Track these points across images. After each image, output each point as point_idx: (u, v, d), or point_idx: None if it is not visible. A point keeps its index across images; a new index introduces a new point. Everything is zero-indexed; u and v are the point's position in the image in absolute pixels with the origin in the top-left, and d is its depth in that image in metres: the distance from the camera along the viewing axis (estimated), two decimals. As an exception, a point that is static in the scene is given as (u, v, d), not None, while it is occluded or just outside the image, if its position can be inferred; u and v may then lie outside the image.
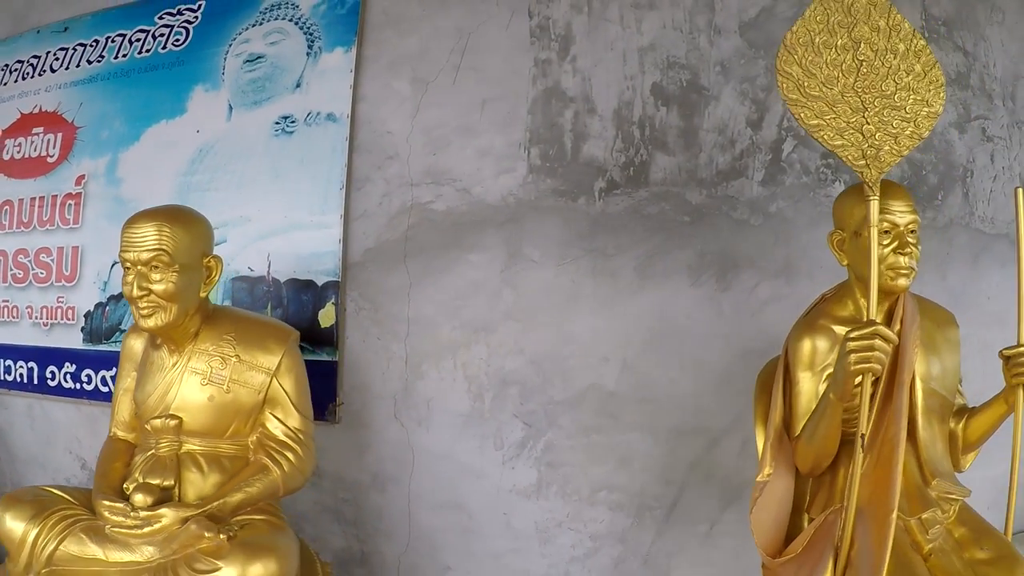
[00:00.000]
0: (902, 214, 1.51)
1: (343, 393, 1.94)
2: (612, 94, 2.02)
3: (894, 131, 1.41)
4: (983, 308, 2.32)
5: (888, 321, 1.57)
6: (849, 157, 1.40)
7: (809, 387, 1.58)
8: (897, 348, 1.53)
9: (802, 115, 1.38)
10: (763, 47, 2.12)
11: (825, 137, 1.38)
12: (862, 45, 1.39)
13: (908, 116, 1.41)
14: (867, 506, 1.44)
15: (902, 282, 1.51)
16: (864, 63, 1.40)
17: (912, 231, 1.54)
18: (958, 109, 2.35)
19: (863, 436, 1.40)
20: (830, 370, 1.56)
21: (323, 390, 1.92)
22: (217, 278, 1.51)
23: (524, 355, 1.92)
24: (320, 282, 1.94)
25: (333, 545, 1.95)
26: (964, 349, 2.31)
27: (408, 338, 1.94)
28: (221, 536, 1.38)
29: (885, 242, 1.49)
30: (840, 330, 1.57)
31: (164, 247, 1.43)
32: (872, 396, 1.51)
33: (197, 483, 1.54)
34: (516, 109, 1.98)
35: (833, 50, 1.40)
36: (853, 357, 1.34)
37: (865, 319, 1.58)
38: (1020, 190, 1.44)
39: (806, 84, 1.39)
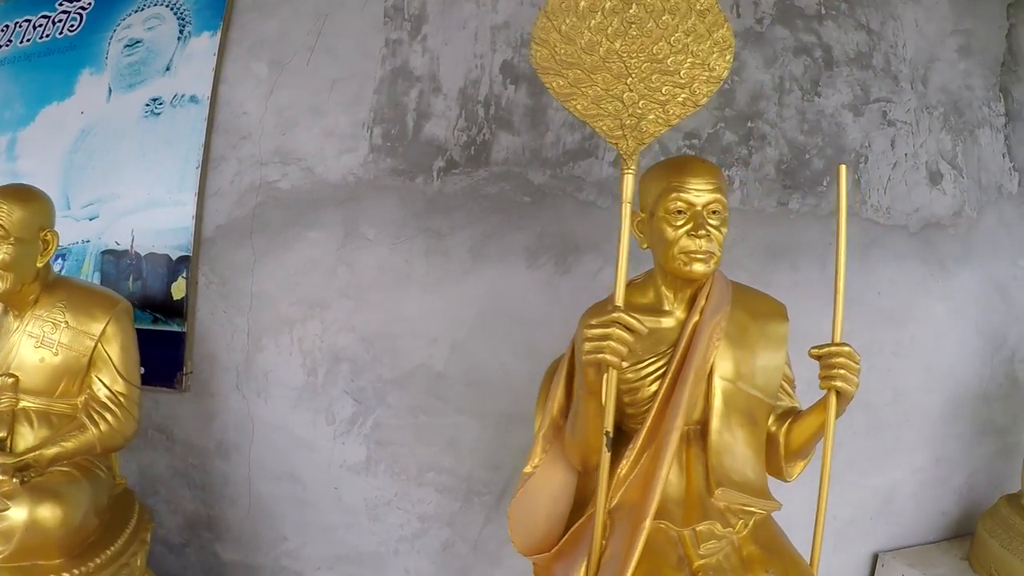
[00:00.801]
0: (699, 193, 1.28)
1: (192, 363, 1.89)
2: (459, 73, 1.87)
3: (663, 98, 1.20)
4: (872, 305, 2.03)
5: (690, 311, 1.35)
6: (604, 128, 1.20)
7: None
8: (689, 341, 1.31)
9: (554, 84, 1.19)
10: (634, 21, 1.91)
11: (578, 107, 1.19)
12: (634, 6, 1.19)
13: (682, 81, 1.19)
14: (630, 510, 1.24)
15: (697, 268, 1.29)
16: (634, 25, 1.19)
17: (714, 212, 1.30)
18: (854, 90, 2.06)
19: (607, 433, 1.21)
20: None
21: (172, 359, 1.88)
22: (53, 250, 1.52)
23: (355, 332, 1.81)
24: (175, 256, 1.90)
25: (184, 508, 1.91)
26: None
27: (251, 312, 1.87)
28: (14, 480, 1.41)
29: (679, 223, 1.29)
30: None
31: (1, 222, 1.45)
32: (658, 392, 1.31)
33: (27, 437, 1.56)
34: (363, 89, 1.86)
35: (600, 13, 1.19)
36: (587, 346, 1.16)
37: (665, 307, 1.39)
38: (844, 167, 1.20)
39: (563, 51, 1.19)
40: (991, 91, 2.34)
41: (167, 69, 1.97)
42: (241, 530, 1.89)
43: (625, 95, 1.19)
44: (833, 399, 1.20)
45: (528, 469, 1.38)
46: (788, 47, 2.02)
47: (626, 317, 1.16)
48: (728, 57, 1.19)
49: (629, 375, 1.33)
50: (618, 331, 1.14)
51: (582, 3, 1.19)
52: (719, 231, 1.30)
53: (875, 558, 2.08)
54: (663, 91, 1.19)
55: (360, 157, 1.84)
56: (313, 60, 1.90)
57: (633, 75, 1.18)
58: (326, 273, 1.84)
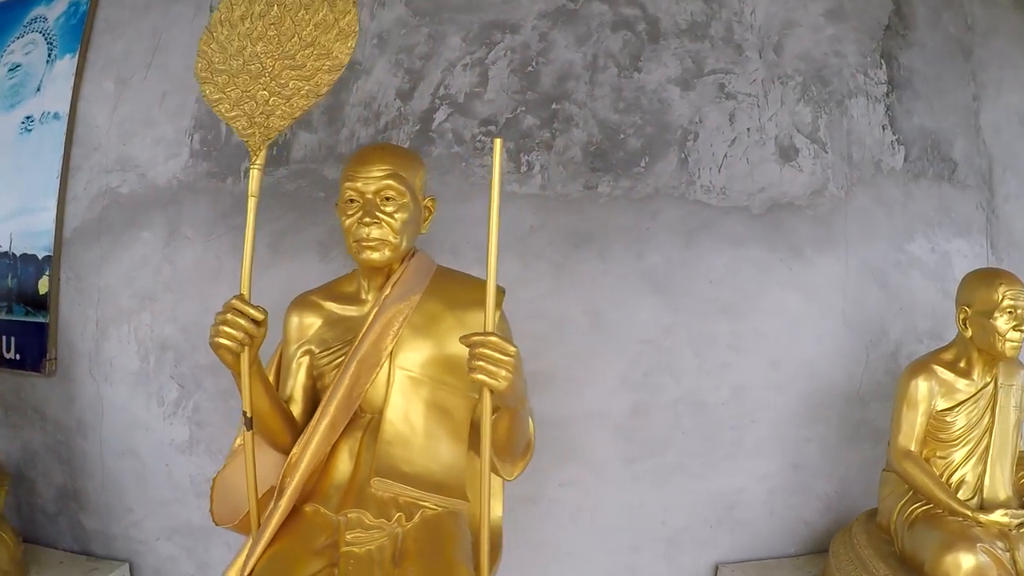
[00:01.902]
0: (368, 181, 1.16)
1: (55, 350, 1.93)
2: None
3: (289, 92, 1.10)
4: (701, 295, 1.72)
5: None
6: (239, 127, 1.12)
7: (286, 360, 1.29)
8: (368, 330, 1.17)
9: (207, 91, 1.13)
10: (429, 14, 1.74)
11: (223, 110, 1.12)
12: (275, 7, 1.11)
13: (307, 74, 1.10)
14: (292, 491, 1.11)
15: (368, 256, 1.17)
16: (273, 26, 1.11)
17: (387, 198, 1.17)
18: (684, 63, 1.76)
19: (245, 414, 1.08)
20: (308, 346, 1.26)
21: (39, 347, 1.94)
22: None
23: (177, 323, 1.77)
24: (41, 256, 1.95)
25: (56, 481, 1.96)
26: (672, 340, 1.77)
27: (98, 305, 1.88)
28: None
29: (351, 212, 1.18)
30: (329, 305, 1.26)
31: None
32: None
33: None
34: (187, 100, 1.82)
35: (249, 20, 1.13)
36: (210, 331, 1.05)
37: (362, 296, 1.26)
38: (499, 141, 1.01)
39: (217, 60, 1.13)
40: (869, 57, 1.93)
41: (38, 90, 2.03)
42: (98, 502, 1.91)
43: (259, 94, 1.11)
44: (487, 392, 0.99)
45: (237, 443, 1.28)
46: (605, 22, 1.75)
47: (240, 304, 1.04)
48: (350, 43, 1.08)
49: (319, 361, 1.23)
50: (232, 317, 1.03)
51: (237, 12, 1.13)
52: (393, 217, 1.17)
53: (717, 570, 1.76)
54: (290, 86, 1.10)
55: (182, 162, 1.80)
56: (149, 75, 1.88)
57: (268, 74, 1.11)
58: (154, 269, 1.82)
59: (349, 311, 1.21)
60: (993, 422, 1.49)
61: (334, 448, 1.15)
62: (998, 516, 1.37)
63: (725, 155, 1.75)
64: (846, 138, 1.86)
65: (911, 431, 1.48)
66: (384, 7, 1.75)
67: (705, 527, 1.73)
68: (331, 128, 1.73)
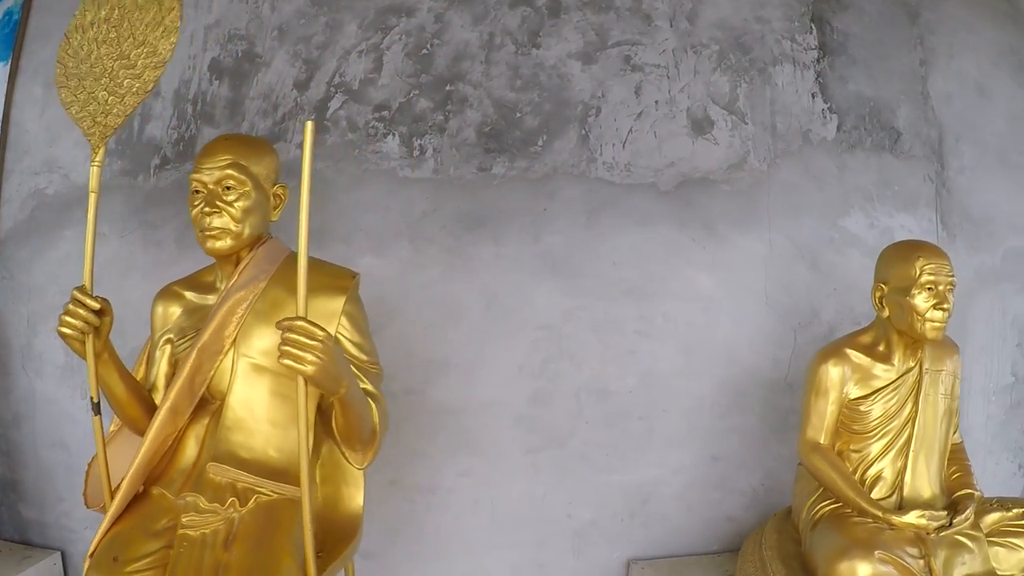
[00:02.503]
0: (209, 171, 1.14)
1: (-6, 347, 1.93)
2: (176, 75, 1.74)
3: (123, 91, 1.10)
4: (605, 277, 1.59)
5: None
6: (84, 128, 1.12)
7: (151, 348, 1.26)
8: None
9: (62, 96, 1.13)
10: (327, 3, 1.67)
11: (73, 112, 1.12)
12: (116, 10, 1.11)
13: (137, 71, 1.09)
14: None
15: (210, 244, 1.13)
16: (115, 28, 1.11)
17: (228, 188, 1.14)
18: (586, 36, 1.63)
19: (92, 400, 1.07)
20: (169, 334, 1.22)
21: (-20, 344, 1.93)
22: None
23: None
24: (-17, 257, 1.95)
25: None
26: (572, 325, 1.62)
27: (29, 302, 1.87)
28: None
29: (196, 203, 1.16)
30: (189, 295, 1.23)
31: None
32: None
33: None
34: None
35: (97, 24, 1.12)
36: (59, 319, 1.05)
37: (217, 285, 1.24)
38: (310, 123, 0.95)
39: (71, 65, 1.13)
40: (797, 22, 1.75)
41: (-23, 98, 2.03)
42: (34, 492, 1.90)
43: (100, 95, 1.11)
44: (301, 382, 0.94)
45: (113, 428, 1.23)
46: (503, 0, 1.62)
47: (80, 295, 1.05)
48: (173, 39, 1.07)
49: (177, 349, 1.20)
50: (72, 307, 1.04)
51: (88, 18, 1.12)
52: (234, 206, 1.13)
53: (629, 566, 1.59)
54: (124, 85, 1.09)
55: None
56: (74, 78, 1.85)
57: (108, 75, 1.10)
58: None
59: (206, 300, 1.19)
60: (916, 412, 1.28)
61: (183, 433, 1.13)
62: (913, 518, 1.17)
63: (630, 130, 1.60)
64: (769, 108, 1.68)
65: (820, 422, 1.29)
66: None
67: (616, 521, 1.58)
68: (232, 122, 1.67)
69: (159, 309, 1.22)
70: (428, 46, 1.63)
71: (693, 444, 1.61)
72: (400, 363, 1.56)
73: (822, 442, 1.30)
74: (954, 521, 1.19)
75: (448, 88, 1.62)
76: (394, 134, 1.59)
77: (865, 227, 1.75)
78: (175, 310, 1.20)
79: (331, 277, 1.17)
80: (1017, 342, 2.07)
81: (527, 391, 1.56)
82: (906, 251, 1.31)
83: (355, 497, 1.21)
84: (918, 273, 1.25)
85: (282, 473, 1.07)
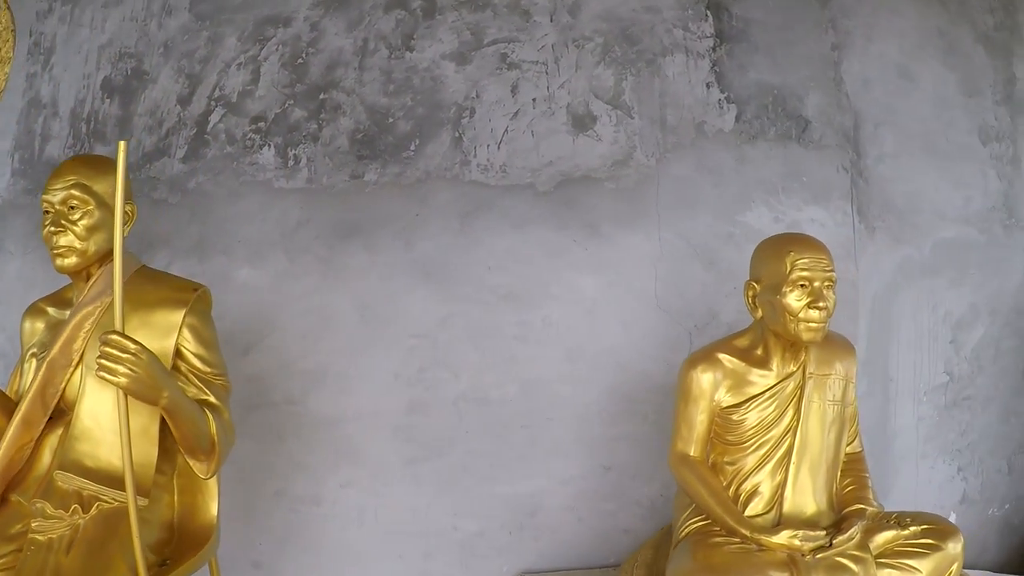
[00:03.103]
0: (54, 192, 1.12)
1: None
2: (72, 95, 1.75)
3: None
4: (479, 282, 1.50)
5: None
6: None
7: (20, 362, 1.22)
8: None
9: None
10: (209, 17, 1.63)
11: None
12: None
13: None
14: None
15: (58, 262, 1.12)
16: None
17: (71, 207, 1.11)
18: (461, 36, 1.55)
19: None
20: (33, 349, 1.20)
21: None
22: None
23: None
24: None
25: None
26: (448, 333, 1.51)
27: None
28: None
29: (45, 223, 1.13)
30: (51, 310, 1.20)
31: None
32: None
33: None
34: (9, 122, 1.82)
35: None
36: None
37: (75, 300, 1.23)
38: (123, 144, 0.94)
39: None
40: (691, 10, 1.62)
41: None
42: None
43: None
44: (119, 393, 0.96)
45: None
46: (379, 4, 1.58)
47: None
48: (6, 69, 1.15)
49: (41, 362, 1.18)
50: None
51: None
52: (78, 224, 1.12)
53: (518, 579, 1.49)
54: None
55: (5, 181, 1.79)
56: (-12, 102, 1.84)
57: None
58: None
59: (64, 315, 1.19)
60: (798, 420, 1.11)
61: (39, 443, 1.13)
62: (784, 538, 1.04)
63: (506, 130, 1.50)
64: (658, 100, 1.55)
65: (689, 432, 1.16)
66: (170, 15, 1.66)
67: (503, 533, 1.48)
68: (121, 139, 1.59)
69: (26, 325, 1.23)
70: (303, 55, 1.57)
71: (581, 453, 1.50)
72: (279, 373, 1.51)
73: (692, 453, 1.16)
74: (834, 541, 1.04)
75: (322, 96, 1.55)
76: (270, 145, 1.53)
77: (769, 221, 1.59)
78: (39, 325, 1.21)
79: (173, 290, 1.16)
80: (950, 339, 1.87)
81: (404, 400, 1.50)
82: (777, 245, 1.16)
83: (209, 507, 1.19)
84: (789, 269, 1.09)
85: (121, 482, 1.05)
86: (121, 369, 0.93)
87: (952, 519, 1.95)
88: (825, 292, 1.09)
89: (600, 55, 1.59)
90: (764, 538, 1.04)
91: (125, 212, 1.16)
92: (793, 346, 1.14)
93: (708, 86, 1.64)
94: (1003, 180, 2.10)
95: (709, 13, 1.66)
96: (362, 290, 1.50)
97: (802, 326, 1.08)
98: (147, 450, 1.08)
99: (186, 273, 1.62)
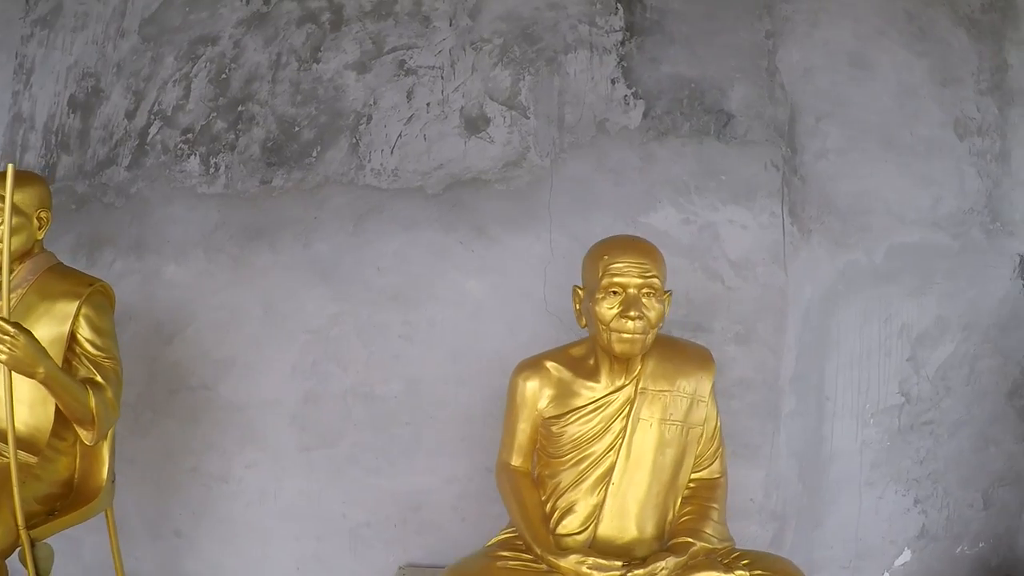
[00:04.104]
0: None
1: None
2: (45, 110, 2.03)
3: None
4: (369, 282, 1.58)
5: None
6: None
7: None
8: None
9: None
10: (154, 38, 1.80)
11: None
12: None
13: None
14: None
15: None
16: None
17: None
18: (364, 46, 1.66)
19: None
20: None
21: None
22: None
23: None
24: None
25: None
26: (339, 329, 1.58)
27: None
28: None
29: None
30: None
31: None
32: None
33: None
34: None
35: None
36: None
37: None
38: (11, 166, 1.05)
39: None
40: (599, 4, 1.59)
41: None
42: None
43: None
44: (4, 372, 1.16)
45: None
46: (292, 19, 1.67)
47: None
48: None
49: None
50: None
51: None
52: None
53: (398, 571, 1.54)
54: None
55: None
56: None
57: None
58: None
59: None
60: (623, 439, 1.03)
61: None
62: (570, 562, 0.99)
63: (400, 135, 1.53)
64: (557, 99, 1.53)
65: (511, 441, 1.17)
66: (123, 38, 1.85)
67: (389, 525, 1.55)
68: (81, 150, 1.85)
69: None
70: (227, 71, 1.70)
71: (465, 454, 1.53)
72: (196, 361, 1.66)
73: (513, 463, 1.14)
74: (630, 574, 0.97)
75: (240, 109, 1.68)
76: (195, 154, 1.68)
77: (677, 223, 1.50)
78: None
79: (73, 284, 1.33)
80: (908, 355, 1.66)
81: (300, 391, 1.63)
82: (596, 248, 1.09)
83: (100, 472, 1.37)
84: (602, 274, 1.03)
85: (24, 442, 1.24)
86: (2, 347, 1.12)
87: (906, 556, 1.74)
88: (644, 300, 1.01)
89: (498, 56, 1.59)
90: (553, 558, 0.99)
91: (40, 217, 1.36)
92: (620, 358, 1.07)
93: (613, 82, 1.57)
94: (986, 178, 1.84)
95: (620, 6, 1.60)
96: (266, 287, 1.64)
97: (614, 336, 1.00)
98: (43, 416, 1.27)
99: (125, 269, 1.82)
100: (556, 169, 1.56)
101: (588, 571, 0.96)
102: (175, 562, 1.71)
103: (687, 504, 1.09)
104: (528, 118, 1.57)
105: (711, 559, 1.01)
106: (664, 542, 1.06)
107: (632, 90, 1.61)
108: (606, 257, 1.02)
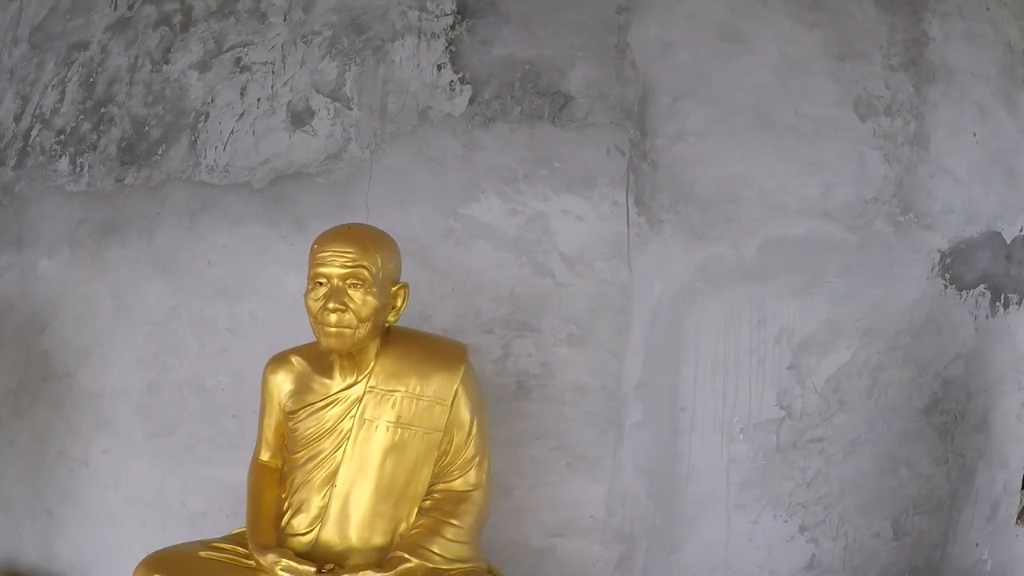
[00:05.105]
0: None
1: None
2: None
3: None
4: (201, 277, 1.64)
5: None
6: None
7: None
8: None
9: None
10: (39, 45, 1.97)
11: None
12: None
13: None
14: None
15: None
16: None
17: None
18: (207, 45, 1.74)
19: None
20: None
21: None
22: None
23: None
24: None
25: None
26: (176, 322, 1.64)
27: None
28: None
29: None
30: None
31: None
32: None
33: None
34: None
35: None
36: None
37: None
38: None
39: None
40: None
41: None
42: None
43: None
44: None
45: None
46: (149, 23, 1.72)
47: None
48: None
49: None
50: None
51: None
52: None
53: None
54: None
55: None
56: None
57: None
58: None
59: None
60: (348, 439, 0.98)
61: None
62: (268, 560, 0.96)
63: (232, 131, 1.57)
64: (381, 89, 1.47)
65: (259, 435, 1.11)
66: (16, 45, 2.02)
67: (222, 517, 1.53)
68: None
69: None
70: (94, 75, 1.80)
71: None
72: (62, 350, 1.82)
73: (262, 458, 1.12)
74: None
75: (103, 111, 1.77)
76: (66, 154, 1.79)
77: (503, 214, 1.43)
78: None
79: None
80: (789, 363, 1.46)
81: (143, 381, 1.71)
82: (317, 239, 1.06)
83: None
84: (310, 263, 1.02)
85: None
86: None
87: (784, 586, 1.53)
88: (350, 292, 0.98)
89: (327, 48, 1.58)
90: (259, 556, 0.98)
91: None
92: (351, 354, 1.03)
93: (439, 68, 1.51)
94: (895, 164, 1.61)
95: (452, -11, 1.52)
96: (117, 281, 1.72)
97: (321, 330, 0.99)
98: None
99: (7, 264, 1.99)
100: (376, 160, 1.55)
101: (281, 573, 0.95)
102: (48, 542, 1.85)
103: (422, 516, 1.04)
104: (351, 109, 1.57)
105: None
106: (383, 553, 1.03)
107: (459, 75, 1.55)
108: (315, 247, 1.02)
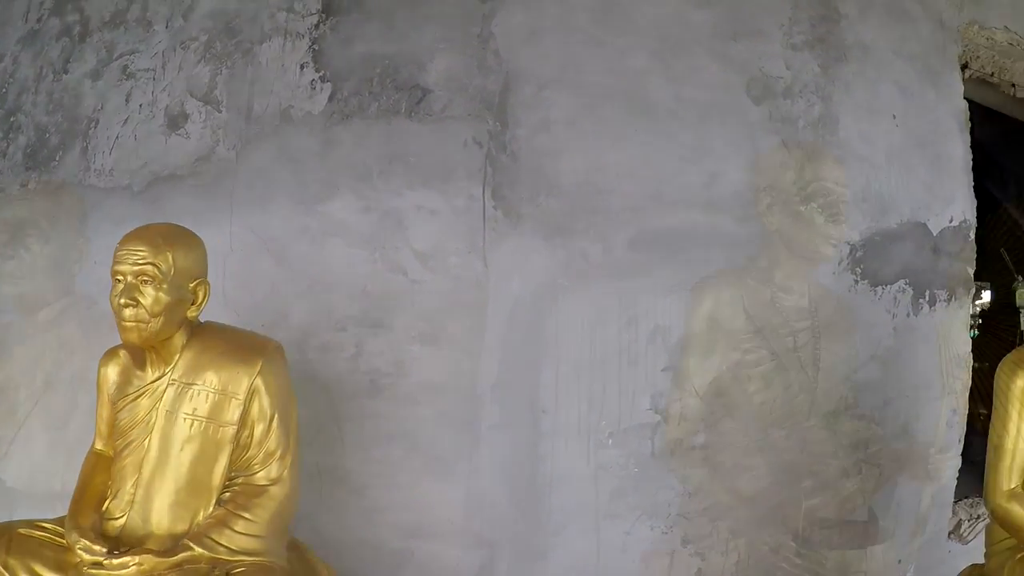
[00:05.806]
0: None
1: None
2: None
3: None
4: (90, 277, 1.76)
5: None
6: None
7: None
8: None
9: None
10: None
11: None
12: None
13: None
14: None
15: None
16: None
17: None
18: (100, 54, 1.85)
19: None
20: None
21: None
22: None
23: None
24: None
25: None
26: (69, 324, 1.69)
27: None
28: None
29: None
30: None
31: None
32: None
33: None
34: None
35: None
36: None
37: None
38: None
39: None
40: None
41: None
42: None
43: None
44: None
45: None
46: (53, 35, 1.88)
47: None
48: None
49: None
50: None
51: None
52: None
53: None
54: None
55: None
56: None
57: None
58: None
59: None
60: (152, 430, 1.03)
61: None
62: (71, 539, 1.03)
63: (117, 136, 1.64)
64: (248, 90, 1.49)
65: (96, 425, 1.20)
66: None
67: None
68: None
69: None
70: (5, 85, 1.88)
71: None
72: None
73: (96, 446, 1.22)
74: (105, 562, 1.00)
75: (12, 119, 1.87)
76: None
77: (357, 211, 1.42)
78: None
79: None
80: (664, 364, 1.36)
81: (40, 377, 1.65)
82: None
83: None
84: (112, 262, 1.01)
85: None
86: None
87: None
88: (141, 288, 1.04)
89: (202, 53, 1.62)
90: (66, 535, 1.03)
91: None
92: (156, 348, 1.09)
93: (303, 67, 1.52)
94: (795, 149, 1.50)
95: (319, -11, 1.52)
96: (20, 279, 1.77)
97: (119, 324, 1.05)
98: None
99: None
100: (241, 161, 1.58)
101: (79, 551, 1.00)
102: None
103: (218, 507, 1.07)
104: (220, 111, 1.62)
105: (198, 570, 0.99)
106: (175, 540, 1.05)
107: (320, 74, 1.56)
108: (117, 245, 1.09)
